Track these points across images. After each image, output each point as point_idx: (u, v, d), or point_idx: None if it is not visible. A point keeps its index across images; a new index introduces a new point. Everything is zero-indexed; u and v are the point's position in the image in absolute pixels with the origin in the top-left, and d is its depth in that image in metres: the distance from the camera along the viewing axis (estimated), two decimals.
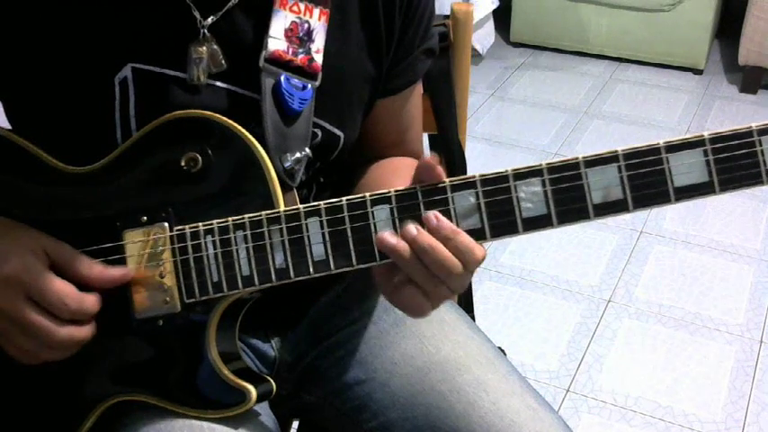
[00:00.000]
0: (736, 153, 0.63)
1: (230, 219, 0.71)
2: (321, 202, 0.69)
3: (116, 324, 0.75)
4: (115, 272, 0.73)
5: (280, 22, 0.77)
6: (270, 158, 0.72)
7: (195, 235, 0.72)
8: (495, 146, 2.86)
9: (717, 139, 0.64)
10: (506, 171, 0.66)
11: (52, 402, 0.78)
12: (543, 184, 0.66)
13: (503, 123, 3.03)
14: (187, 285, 0.73)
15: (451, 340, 0.88)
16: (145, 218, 0.74)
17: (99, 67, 0.75)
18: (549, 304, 2.13)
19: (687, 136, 0.64)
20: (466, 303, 1.10)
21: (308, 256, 0.70)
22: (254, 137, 0.72)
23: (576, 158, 0.65)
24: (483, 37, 3.25)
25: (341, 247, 0.69)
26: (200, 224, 0.72)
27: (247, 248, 0.71)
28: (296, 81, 0.77)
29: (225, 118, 0.73)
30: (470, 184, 0.67)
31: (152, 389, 0.76)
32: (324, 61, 0.79)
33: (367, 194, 0.69)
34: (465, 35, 1.08)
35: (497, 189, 0.66)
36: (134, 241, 0.74)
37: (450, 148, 1.09)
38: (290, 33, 0.78)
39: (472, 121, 3.00)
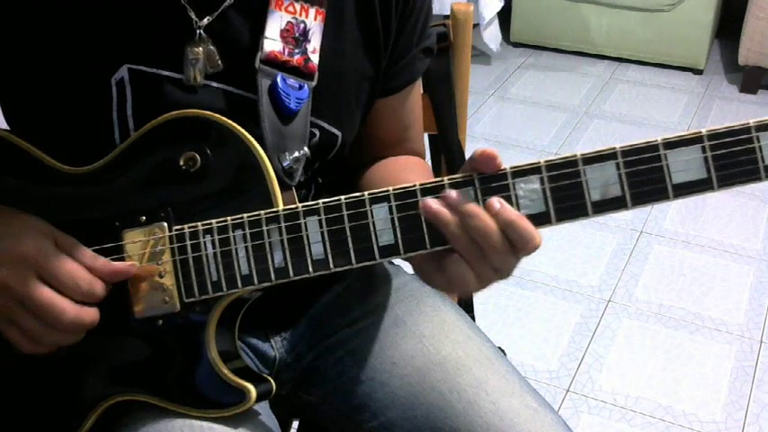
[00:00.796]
0: (734, 149, 0.63)
1: (229, 218, 0.71)
2: (320, 201, 0.69)
3: (116, 324, 0.75)
4: (119, 265, 0.73)
5: (275, 23, 0.77)
6: (268, 158, 0.72)
7: (194, 234, 0.72)
8: (495, 146, 2.85)
9: (715, 135, 0.64)
10: (505, 169, 0.66)
11: (52, 402, 0.78)
12: (542, 182, 0.66)
13: (503, 123, 3.03)
14: (186, 285, 0.73)
15: (451, 340, 0.88)
16: (144, 218, 0.74)
17: (95, 68, 0.75)
18: (549, 304, 2.13)
19: (685, 132, 0.64)
20: (466, 303, 1.10)
21: (307, 255, 0.70)
22: (252, 136, 0.72)
23: (575, 156, 0.65)
24: (494, 36, 3.25)
25: (340, 245, 0.69)
26: (199, 224, 0.72)
27: (246, 248, 0.71)
28: (292, 81, 0.77)
29: (223, 117, 0.73)
30: (469, 182, 0.67)
31: (152, 388, 0.76)
32: (320, 61, 0.79)
33: (366, 193, 0.68)
34: (465, 35, 1.08)
35: (496, 187, 0.66)
36: (133, 241, 0.74)
37: (450, 148, 1.09)
38: (285, 34, 0.78)
39: (472, 121, 3.00)
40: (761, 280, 2.20)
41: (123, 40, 0.75)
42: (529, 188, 0.66)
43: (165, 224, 0.73)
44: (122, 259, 0.74)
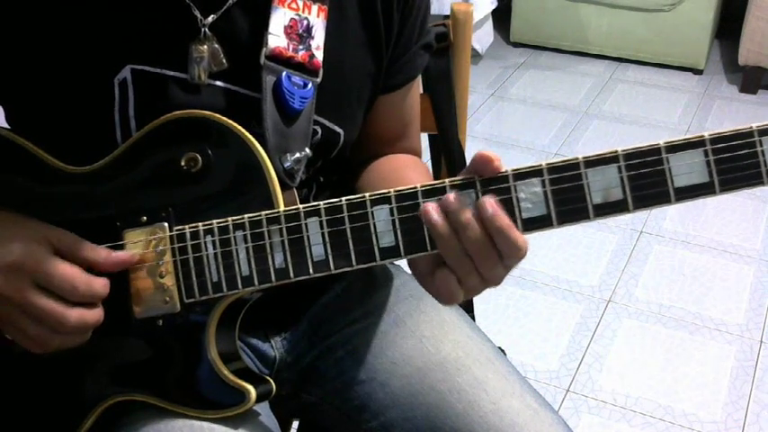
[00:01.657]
0: (737, 153, 0.63)
1: (230, 219, 0.71)
2: (321, 202, 0.69)
3: (116, 324, 0.74)
4: (121, 254, 0.73)
5: (279, 19, 0.77)
6: (270, 158, 0.72)
7: (195, 235, 0.72)
8: (494, 146, 2.85)
9: (717, 139, 0.63)
10: (506, 171, 0.66)
11: (52, 402, 0.78)
12: (543, 185, 0.65)
13: (503, 123, 3.03)
14: (187, 285, 0.73)
15: (451, 340, 0.88)
16: (145, 218, 0.74)
17: (98, 69, 0.75)
18: (549, 304, 2.13)
19: (687, 136, 0.64)
20: (466, 303, 1.10)
21: (308, 256, 0.70)
22: (254, 136, 0.72)
23: (577, 159, 0.65)
24: (482, 37, 3.25)
25: (340, 247, 0.69)
26: (200, 224, 0.72)
27: (247, 248, 0.71)
28: (296, 79, 0.77)
29: (225, 118, 0.72)
30: (470, 185, 0.66)
31: (152, 389, 0.76)
32: (323, 58, 0.79)
33: (366, 194, 0.68)
34: (465, 35, 1.08)
35: (497, 189, 0.66)
36: (134, 241, 0.74)
37: (450, 148, 1.09)
38: (289, 30, 0.77)
39: (472, 121, 3.00)
40: (761, 280, 2.20)
41: (126, 39, 0.75)
42: (530, 191, 0.66)
43: (166, 224, 0.73)
44: None
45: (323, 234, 0.69)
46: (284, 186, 0.73)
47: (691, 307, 2.11)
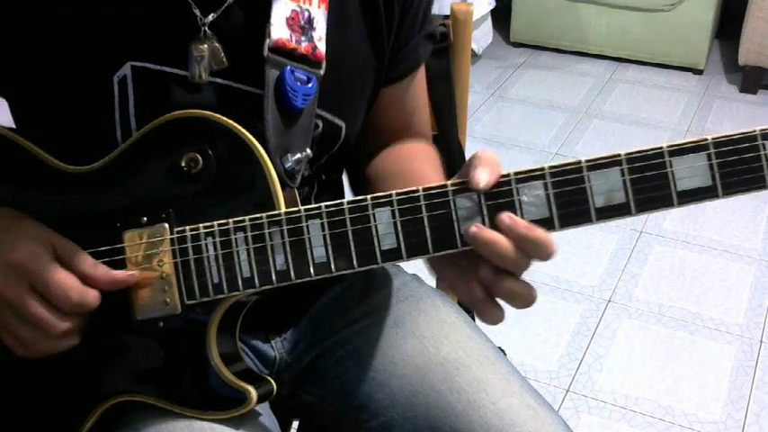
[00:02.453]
0: (740, 157, 0.63)
1: (231, 220, 0.71)
2: (322, 204, 0.69)
3: (117, 325, 0.74)
4: (119, 274, 0.73)
5: (280, 11, 0.77)
6: (270, 159, 0.72)
7: (196, 236, 0.72)
8: (494, 146, 2.85)
9: (720, 143, 0.63)
10: (509, 174, 0.66)
11: (53, 403, 0.78)
12: (545, 188, 0.65)
13: (503, 123, 3.03)
14: (187, 287, 0.72)
15: (451, 340, 0.88)
16: (145, 219, 0.73)
17: (98, 66, 0.75)
18: (549, 304, 2.12)
19: (690, 139, 0.63)
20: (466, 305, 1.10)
21: (309, 258, 0.69)
22: (255, 135, 0.72)
23: (579, 161, 0.65)
24: (480, 37, 3.26)
25: (342, 248, 0.69)
26: (201, 225, 0.72)
27: (248, 250, 0.70)
28: (300, 74, 0.76)
29: (225, 118, 0.72)
30: (471, 188, 0.66)
31: (152, 390, 0.76)
32: (325, 50, 0.79)
33: (368, 197, 0.68)
34: (465, 35, 1.08)
35: (499, 192, 0.66)
36: (134, 242, 0.74)
37: (450, 148, 1.09)
38: (291, 22, 0.77)
39: (472, 121, 3.00)
40: (761, 280, 2.20)
41: (126, 37, 0.75)
42: (532, 194, 0.66)
43: (167, 225, 0.73)
44: (123, 261, 0.74)
45: (324, 236, 0.69)
46: (285, 187, 0.73)
47: (691, 307, 2.11)
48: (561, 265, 2.26)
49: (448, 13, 1.08)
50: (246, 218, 0.70)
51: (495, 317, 0.67)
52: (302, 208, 0.70)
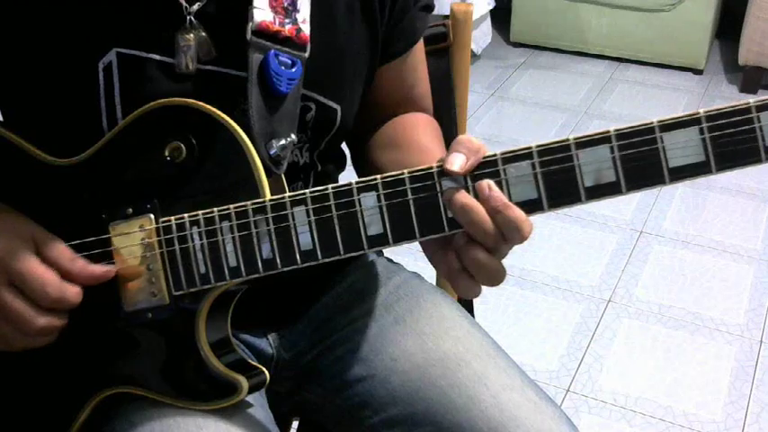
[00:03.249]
0: (734, 130, 0.60)
1: (215, 209, 0.70)
2: (307, 191, 0.68)
3: (105, 317, 0.74)
4: (96, 269, 0.72)
5: None
6: (255, 146, 0.71)
7: (181, 226, 0.71)
8: (494, 146, 2.84)
9: (713, 116, 0.61)
10: (495, 154, 0.65)
11: (45, 396, 0.78)
12: (533, 167, 0.64)
13: (502, 123, 3.03)
14: (175, 277, 0.72)
15: (451, 336, 0.88)
16: (130, 209, 0.73)
17: (83, 52, 0.74)
18: (549, 304, 2.12)
19: (681, 114, 0.62)
20: (466, 302, 1.10)
21: (295, 245, 0.68)
22: (239, 121, 0.71)
23: (567, 140, 0.63)
24: (479, 37, 3.26)
25: (328, 235, 0.68)
26: (186, 215, 0.71)
27: (233, 239, 0.70)
28: (284, 57, 0.75)
29: (207, 105, 0.71)
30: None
31: (143, 381, 0.76)
32: (311, 32, 0.78)
33: (353, 182, 0.67)
34: (464, 35, 1.08)
35: (486, 173, 0.65)
36: (120, 233, 0.73)
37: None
38: (274, 3, 0.76)
39: (472, 121, 3.00)
40: (761, 280, 2.20)
41: (111, 23, 0.74)
42: (519, 173, 0.64)
43: (152, 216, 0.72)
44: (110, 252, 0.73)
45: (309, 223, 0.68)
46: (270, 174, 0.72)
47: (691, 307, 2.11)
48: (561, 265, 2.26)
49: (448, 13, 1.08)
50: (231, 206, 0.69)
51: (469, 289, 0.67)
52: (287, 195, 0.69)
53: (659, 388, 1.86)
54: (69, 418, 0.77)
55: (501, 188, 0.64)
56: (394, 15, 0.86)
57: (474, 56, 3.38)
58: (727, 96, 3.17)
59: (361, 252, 0.68)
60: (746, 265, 2.26)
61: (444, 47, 1.05)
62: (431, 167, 0.66)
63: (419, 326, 0.89)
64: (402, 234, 0.67)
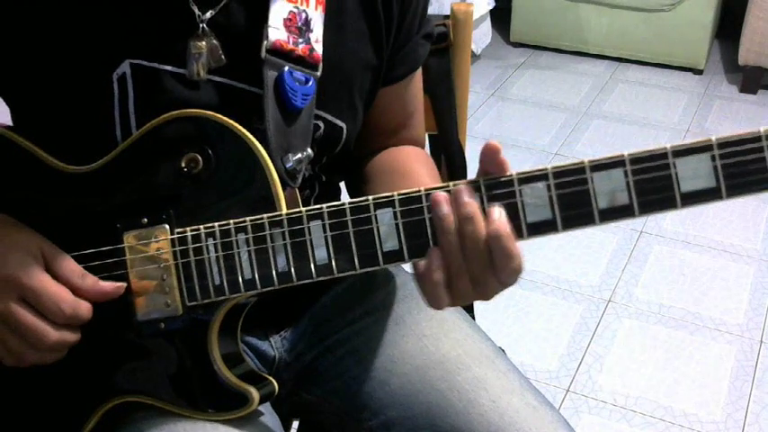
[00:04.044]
0: (745, 158, 0.62)
1: (232, 221, 0.70)
2: (324, 205, 0.69)
3: (118, 326, 0.74)
4: (107, 285, 0.72)
5: (278, 12, 0.77)
6: (271, 159, 0.72)
7: (196, 238, 0.72)
8: None
9: (725, 144, 0.62)
10: (512, 174, 0.65)
11: (54, 403, 0.78)
12: (548, 189, 0.65)
13: (503, 123, 3.03)
14: (189, 288, 0.72)
15: (451, 339, 0.88)
16: (145, 219, 0.73)
17: (97, 64, 0.74)
18: (549, 304, 2.13)
19: (694, 140, 0.63)
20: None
21: (311, 259, 0.69)
22: (255, 135, 0.72)
23: (582, 162, 0.64)
24: (479, 37, 3.26)
25: (344, 251, 0.68)
26: (202, 227, 0.71)
27: (249, 252, 0.70)
28: (298, 74, 0.76)
29: (225, 118, 0.72)
30: (475, 188, 0.66)
31: (154, 391, 0.76)
32: (323, 51, 0.79)
33: (370, 197, 0.68)
34: (465, 35, 1.08)
35: (502, 193, 0.66)
36: (135, 243, 0.73)
37: (450, 149, 1.09)
38: (288, 23, 0.77)
39: (472, 121, 3.00)
40: (761, 280, 2.20)
41: (125, 34, 0.75)
42: (535, 194, 0.65)
43: (167, 226, 0.72)
44: (124, 262, 0.74)
45: (326, 237, 0.68)
46: (286, 187, 0.73)
47: (691, 307, 2.11)
48: (561, 265, 2.26)
49: (448, 13, 1.08)
50: (248, 219, 0.70)
51: (434, 301, 0.67)
52: (303, 209, 0.69)
53: (659, 388, 1.86)
54: (78, 426, 0.77)
55: (516, 209, 0.65)
56: (398, 41, 0.87)
57: (474, 56, 3.38)
58: (728, 96, 3.18)
59: (377, 268, 0.68)
60: (746, 265, 2.26)
61: (445, 47, 1.05)
62: (447, 185, 0.67)
63: (419, 328, 0.89)
64: (418, 251, 0.67)
